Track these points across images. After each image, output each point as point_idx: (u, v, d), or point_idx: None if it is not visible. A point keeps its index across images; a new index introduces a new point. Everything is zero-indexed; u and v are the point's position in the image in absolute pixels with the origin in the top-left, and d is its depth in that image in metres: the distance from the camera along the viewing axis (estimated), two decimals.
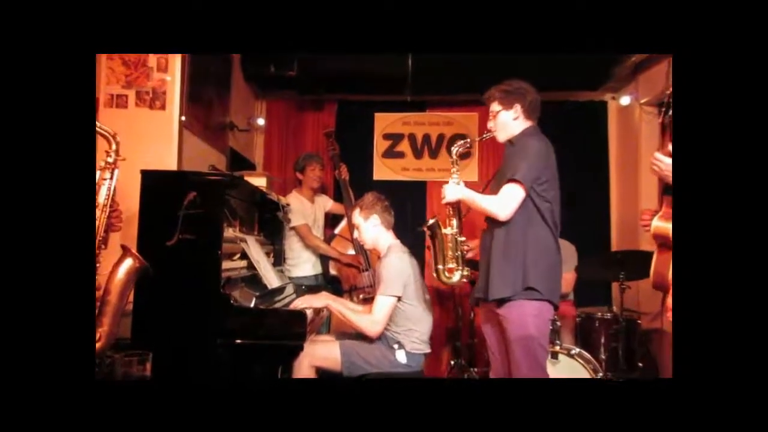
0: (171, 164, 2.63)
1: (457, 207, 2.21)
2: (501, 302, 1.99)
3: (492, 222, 2.06)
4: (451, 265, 2.19)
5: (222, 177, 2.16)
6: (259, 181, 2.78)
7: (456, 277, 2.18)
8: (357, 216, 2.48)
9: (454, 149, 2.23)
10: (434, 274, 2.22)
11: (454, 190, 2.15)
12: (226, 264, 2.21)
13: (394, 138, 4.20)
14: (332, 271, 3.49)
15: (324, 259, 3.51)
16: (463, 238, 2.20)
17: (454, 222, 2.21)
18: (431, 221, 2.22)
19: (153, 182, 2.09)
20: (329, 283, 3.45)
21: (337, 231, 3.60)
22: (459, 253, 2.19)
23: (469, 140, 2.28)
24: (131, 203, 2.08)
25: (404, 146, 4.18)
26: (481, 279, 2.11)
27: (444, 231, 2.19)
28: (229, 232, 2.32)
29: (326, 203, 3.68)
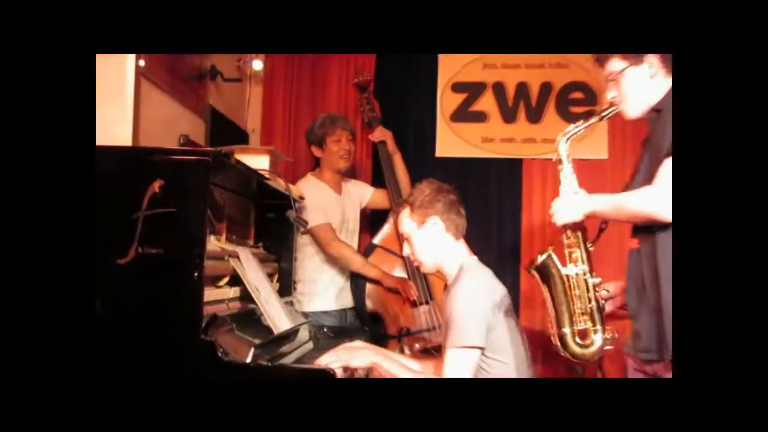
0: (124, 136, 2.69)
1: (581, 230, 2.21)
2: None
3: (647, 231, 2.02)
4: (584, 325, 2.16)
5: (202, 155, 2.18)
6: (257, 161, 2.81)
7: (596, 343, 2.16)
8: (407, 220, 2.43)
9: (562, 143, 2.23)
10: (556, 343, 2.20)
11: (572, 206, 2.15)
12: (209, 293, 2.25)
13: (471, 90, 4.20)
14: (370, 305, 3.53)
15: (357, 285, 3.56)
16: (598, 279, 2.19)
17: (579, 254, 2.19)
18: (542, 257, 2.21)
19: (98, 165, 2.13)
20: (366, 325, 3.48)
21: (377, 241, 3.63)
22: (594, 303, 2.17)
23: (581, 124, 2.26)
24: None
25: (486, 103, 4.19)
26: (645, 328, 2.05)
27: (564, 271, 2.19)
28: (212, 243, 2.36)
29: (363, 193, 3.72)
